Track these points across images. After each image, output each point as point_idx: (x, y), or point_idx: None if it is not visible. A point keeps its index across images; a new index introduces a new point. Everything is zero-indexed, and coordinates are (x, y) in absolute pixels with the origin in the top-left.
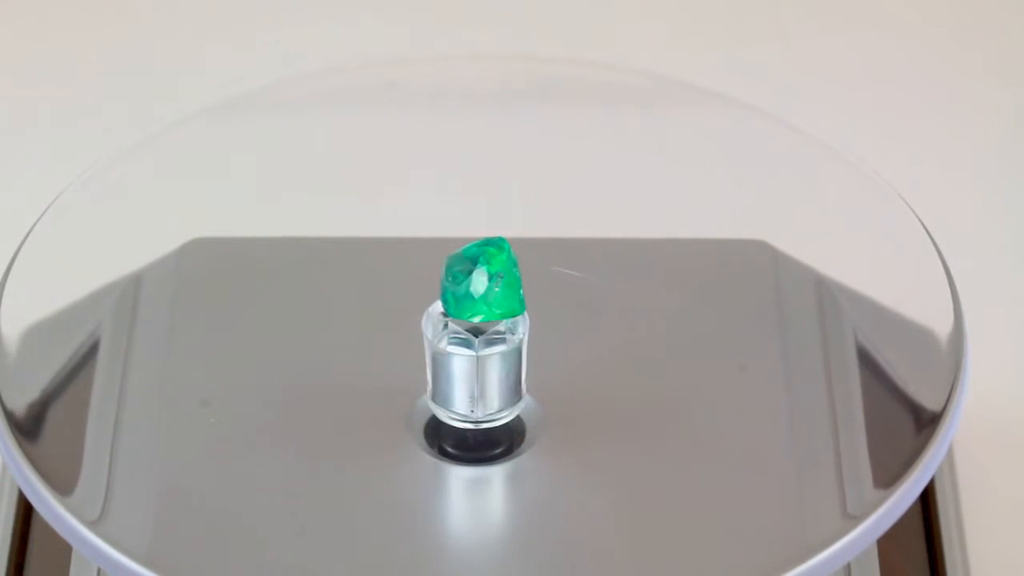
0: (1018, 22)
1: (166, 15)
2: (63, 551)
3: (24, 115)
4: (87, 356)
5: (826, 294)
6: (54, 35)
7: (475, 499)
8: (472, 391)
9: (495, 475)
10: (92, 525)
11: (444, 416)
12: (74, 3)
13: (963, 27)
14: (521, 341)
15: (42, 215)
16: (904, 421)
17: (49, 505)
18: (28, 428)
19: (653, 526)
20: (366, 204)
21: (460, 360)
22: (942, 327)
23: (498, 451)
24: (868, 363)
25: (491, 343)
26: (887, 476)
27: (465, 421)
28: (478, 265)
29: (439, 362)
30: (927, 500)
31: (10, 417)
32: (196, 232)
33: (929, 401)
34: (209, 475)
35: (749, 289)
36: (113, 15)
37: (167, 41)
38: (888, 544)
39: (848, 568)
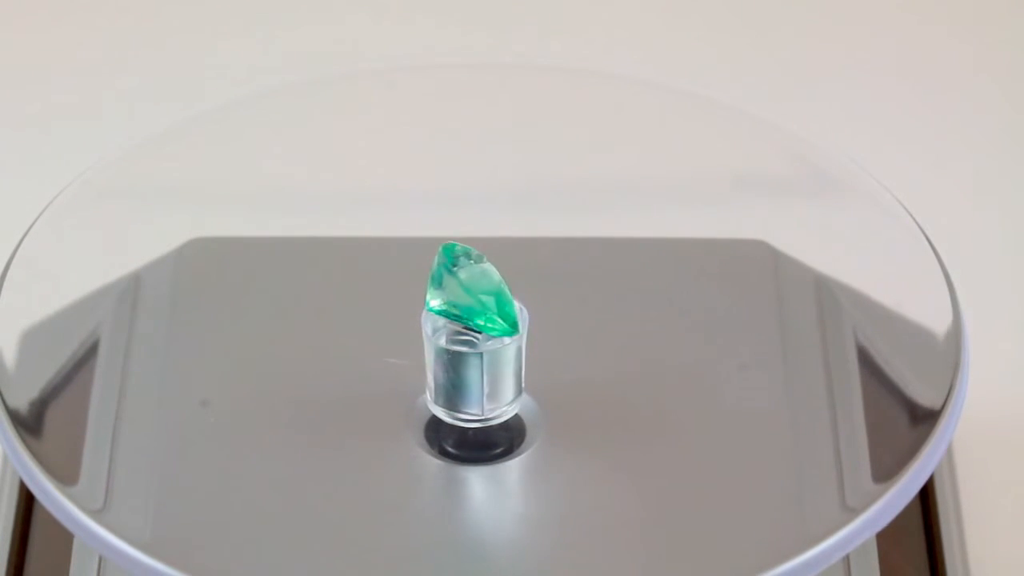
0: (1017, 22)
1: (167, 15)
2: (63, 547)
3: (24, 114)
4: (87, 356)
5: (826, 294)
6: (55, 34)
7: (475, 498)
8: (471, 389)
9: (495, 474)
10: (95, 515)
11: (443, 415)
12: (74, 2)
13: (961, 26)
14: (520, 338)
15: (41, 214)
16: (903, 419)
17: (51, 495)
18: (29, 427)
19: (653, 520)
20: (366, 204)
21: (459, 358)
22: (941, 327)
23: (498, 450)
24: (868, 362)
25: (490, 340)
26: (886, 471)
27: (464, 419)
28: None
29: (438, 360)
30: (927, 499)
31: (13, 415)
32: (196, 232)
33: (928, 399)
34: (209, 474)
35: (749, 289)
36: (114, 14)
37: (168, 41)
38: (888, 543)
39: (848, 567)
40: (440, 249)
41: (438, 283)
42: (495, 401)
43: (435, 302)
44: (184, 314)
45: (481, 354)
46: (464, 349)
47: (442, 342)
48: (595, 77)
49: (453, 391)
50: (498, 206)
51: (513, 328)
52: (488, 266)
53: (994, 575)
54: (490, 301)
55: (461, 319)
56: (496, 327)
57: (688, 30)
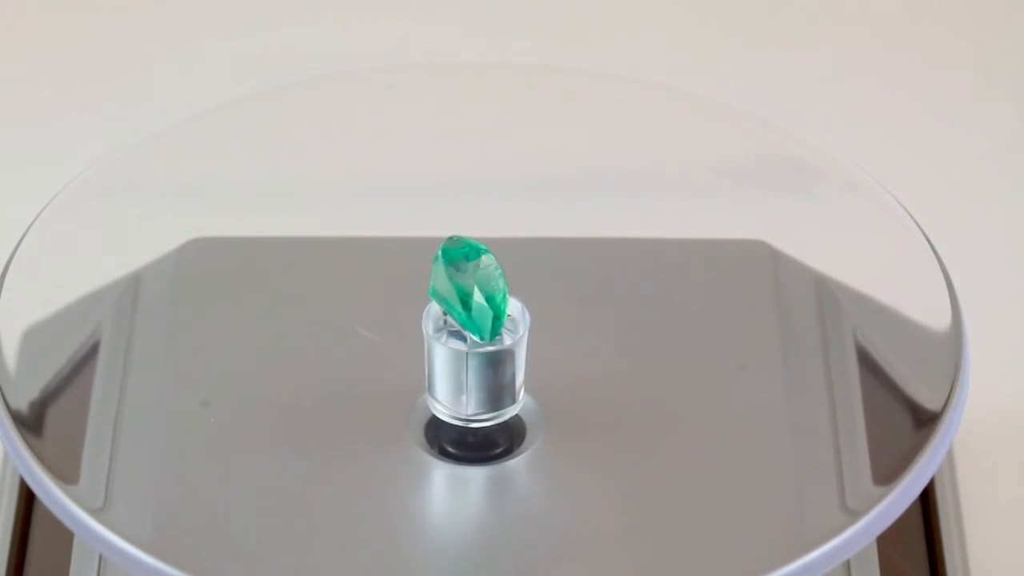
0: (1017, 22)
1: (168, 14)
2: (63, 546)
3: (23, 113)
4: (87, 356)
5: (826, 294)
6: (55, 33)
7: (475, 499)
8: (471, 388)
9: (495, 475)
10: (95, 513)
11: (443, 414)
12: (74, 2)
13: (960, 27)
14: (520, 338)
15: (40, 213)
16: (904, 420)
17: (52, 494)
18: (30, 426)
19: (653, 523)
20: (366, 204)
21: (459, 357)
22: (941, 326)
23: (498, 451)
24: (868, 363)
25: (482, 343)
26: (887, 474)
27: (464, 419)
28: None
29: (439, 359)
30: (927, 500)
31: (13, 415)
32: (196, 232)
33: (929, 400)
34: (209, 474)
35: (749, 289)
36: (114, 13)
37: (168, 40)
38: (888, 544)
39: (848, 567)
40: (447, 241)
41: (437, 272)
42: (487, 402)
43: (434, 289)
44: (184, 314)
45: (467, 353)
46: (454, 345)
47: (442, 341)
48: (595, 77)
49: (452, 390)
50: (498, 206)
51: (483, 336)
52: (492, 272)
53: (994, 575)
54: (470, 303)
55: (447, 312)
56: (476, 332)
57: (688, 30)
